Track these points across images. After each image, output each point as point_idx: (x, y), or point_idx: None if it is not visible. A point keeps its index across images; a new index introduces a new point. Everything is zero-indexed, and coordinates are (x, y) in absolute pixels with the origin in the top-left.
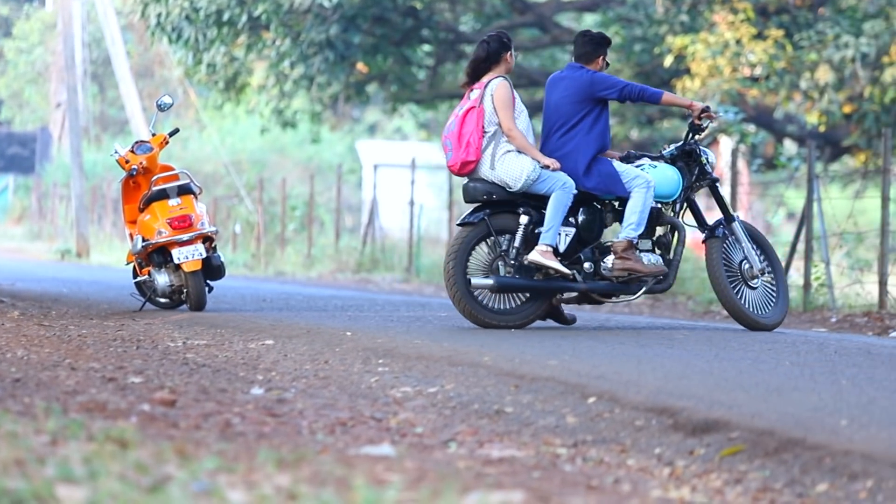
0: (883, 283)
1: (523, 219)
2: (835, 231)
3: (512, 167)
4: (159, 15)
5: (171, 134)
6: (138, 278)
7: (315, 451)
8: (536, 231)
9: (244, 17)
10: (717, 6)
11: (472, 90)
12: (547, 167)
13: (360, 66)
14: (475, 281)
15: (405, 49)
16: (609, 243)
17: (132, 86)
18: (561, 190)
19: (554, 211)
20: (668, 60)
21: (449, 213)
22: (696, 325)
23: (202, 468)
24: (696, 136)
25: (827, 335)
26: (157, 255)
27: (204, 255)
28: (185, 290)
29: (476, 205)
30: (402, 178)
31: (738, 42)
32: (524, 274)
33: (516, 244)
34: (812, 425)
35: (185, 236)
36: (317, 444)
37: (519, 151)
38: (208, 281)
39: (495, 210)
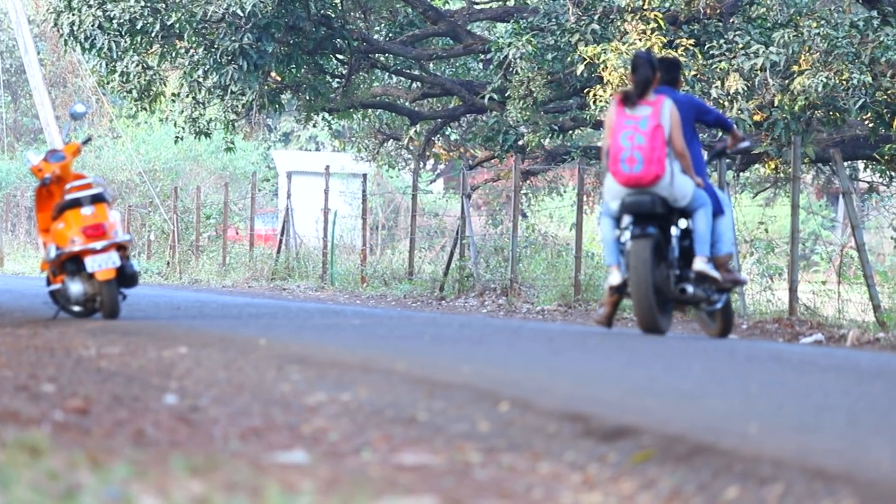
0: (793, 290)
1: (675, 231)
2: (746, 238)
3: (684, 185)
4: (72, 24)
5: (85, 142)
6: (52, 287)
7: (228, 459)
8: (684, 243)
9: (157, 26)
10: (628, 15)
11: (637, 106)
12: (699, 185)
13: (274, 74)
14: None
15: (319, 58)
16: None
17: (46, 94)
18: (707, 206)
19: (706, 224)
20: (580, 69)
21: (363, 222)
22: (609, 332)
23: (115, 476)
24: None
25: (738, 342)
26: (70, 264)
27: (118, 263)
28: (98, 299)
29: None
30: (317, 186)
31: (649, 51)
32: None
33: (675, 255)
34: (722, 431)
35: (98, 245)
36: (230, 451)
37: (683, 170)
38: (122, 289)
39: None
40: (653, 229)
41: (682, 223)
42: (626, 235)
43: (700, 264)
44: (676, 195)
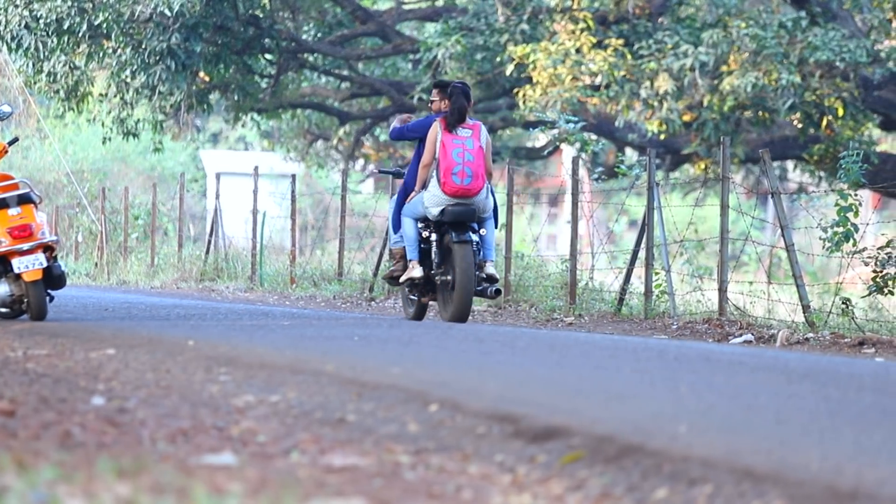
0: (723, 291)
1: (477, 237)
2: (676, 239)
3: (490, 199)
4: None
5: (11, 143)
6: None
7: (156, 461)
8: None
9: (84, 26)
10: (557, 15)
11: (460, 129)
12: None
13: (203, 74)
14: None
15: (247, 58)
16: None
17: None
18: (492, 218)
19: (492, 233)
20: (510, 69)
21: (292, 222)
22: (539, 333)
23: (41, 478)
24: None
25: (667, 342)
26: None
27: (45, 264)
28: (25, 300)
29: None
30: (245, 186)
31: (578, 51)
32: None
33: (479, 258)
34: (652, 431)
35: (25, 246)
36: (158, 453)
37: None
38: (49, 290)
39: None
40: (471, 235)
41: (483, 231)
42: (434, 237)
43: (490, 268)
44: (486, 207)
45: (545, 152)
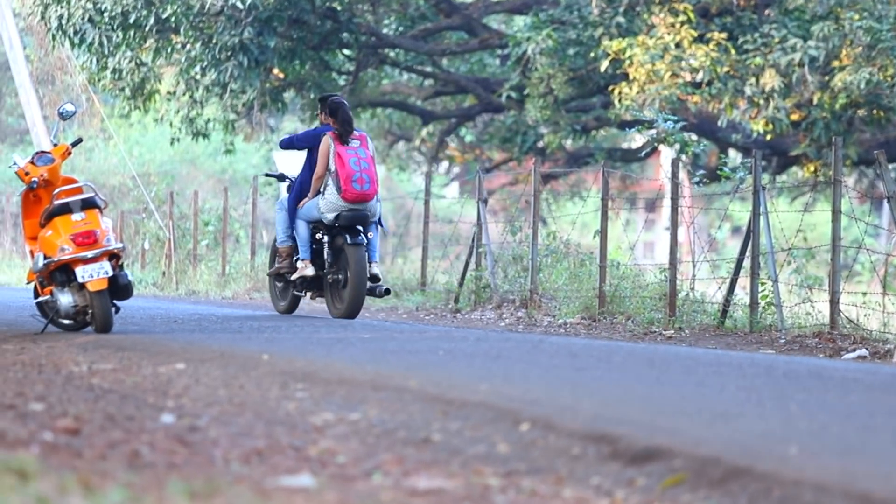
0: (835, 302)
1: (365, 240)
2: (783, 246)
3: (379, 204)
4: (61, 17)
5: (74, 144)
6: (40, 298)
7: (229, 482)
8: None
9: (152, 20)
10: (655, 7)
11: (351, 139)
12: None
13: (277, 71)
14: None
15: (324, 53)
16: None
17: (32, 93)
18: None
19: (377, 237)
20: (605, 65)
21: None
22: (636, 347)
23: (109, 501)
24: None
25: (775, 357)
26: (59, 274)
27: (110, 273)
28: (89, 311)
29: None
30: None
31: (678, 45)
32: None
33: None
34: (760, 453)
35: (89, 253)
36: (231, 474)
37: None
38: (115, 301)
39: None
40: (362, 238)
41: (370, 235)
42: (326, 239)
43: (375, 268)
44: (376, 212)
45: (642, 154)
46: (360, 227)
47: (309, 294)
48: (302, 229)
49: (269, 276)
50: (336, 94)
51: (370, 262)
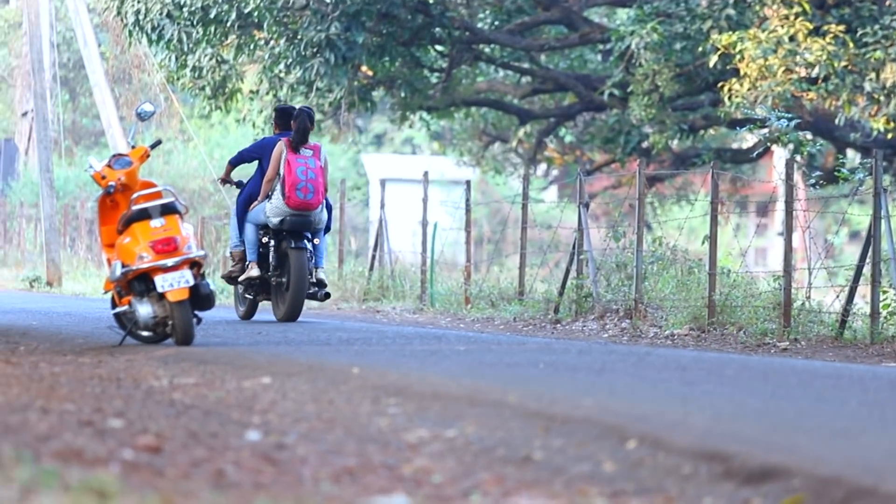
0: None
1: (310, 245)
2: None
3: (325, 213)
4: (137, 12)
5: (153, 146)
6: (117, 309)
7: (319, 503)
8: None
9: (234, 15)
10: None
11: (302, 149)
12: None
13: (365, 69)
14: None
15: (415, 49)
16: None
17: (108, 92)
18: (324, 230)
19: (324, 243)
20: (713, 60)
21: (466, 235)
22: (749, 360)
23: None
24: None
25: None
26: (138, 283)
27: (191, 282)
28: (170, 322)
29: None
30: (414, 194)
31: (792, 39)
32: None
33: (312, 263)
34: (885, 472)
35: (169, 261)
36: (321, 494)
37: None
38: (196, 311)
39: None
40: (306, 244)
41: (316, 241)
42: (272, 243)
43: (321, 273)
44: (321, 220)
45: (754, 154)
46: (307, 233)
47: (256, 296)
48: (249, 232)
49: (223, 279)
50: (306, 106)
51: (316, 268)
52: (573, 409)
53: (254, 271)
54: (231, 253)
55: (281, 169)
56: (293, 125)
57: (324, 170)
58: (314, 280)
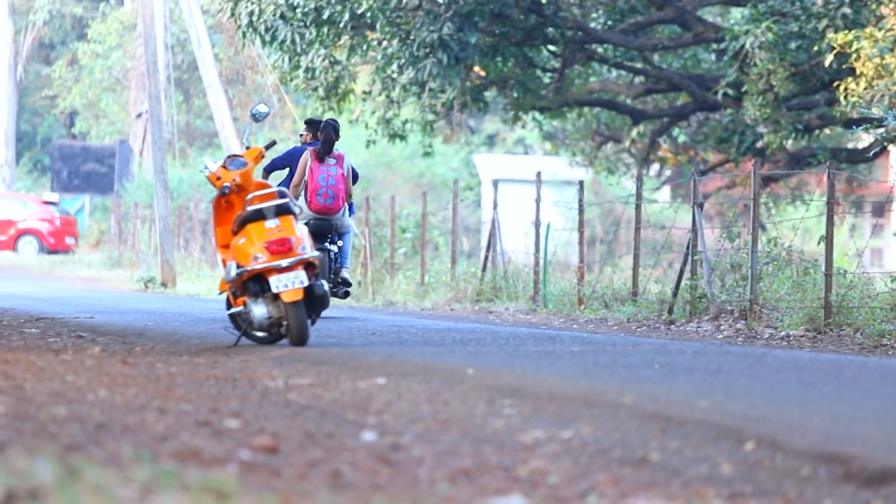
0: None
1: (334, 247)
2: None
3: (346, 217)
4: (251, 13)
5: (268, 147)
6: (232, 310)
7: None
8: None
9: (346, 15)
10: None
11: (328, 158)
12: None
13: (478, 69)
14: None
15: (528, 50)
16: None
17: (221, 93)
18: (350, 232)
19: (349, 245)
20: (829, 60)
21: (579, 235)
22: (867, 361)
23: None
24: None
25: None
26: (253, 284)
27: (306, 283)
28: (284, 323)
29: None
30: (526, 195)
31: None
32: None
33: (336, 264)
34: None
35: (284, 262)
36: (438, 495)
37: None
38: (311, 312)
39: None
40: (328, 245)
41: (340, 243)
42: None
43: (345, 273)
44: (344, 223)
45: (870, 154)
46: (332, 236)
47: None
48: None
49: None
50: (332, 119)
51: (341, 267)
52: (690, 411)
53: None
54: None
55: (306, 176)
56: (320, 136)
57: (345, 177)
58: (339, 279)
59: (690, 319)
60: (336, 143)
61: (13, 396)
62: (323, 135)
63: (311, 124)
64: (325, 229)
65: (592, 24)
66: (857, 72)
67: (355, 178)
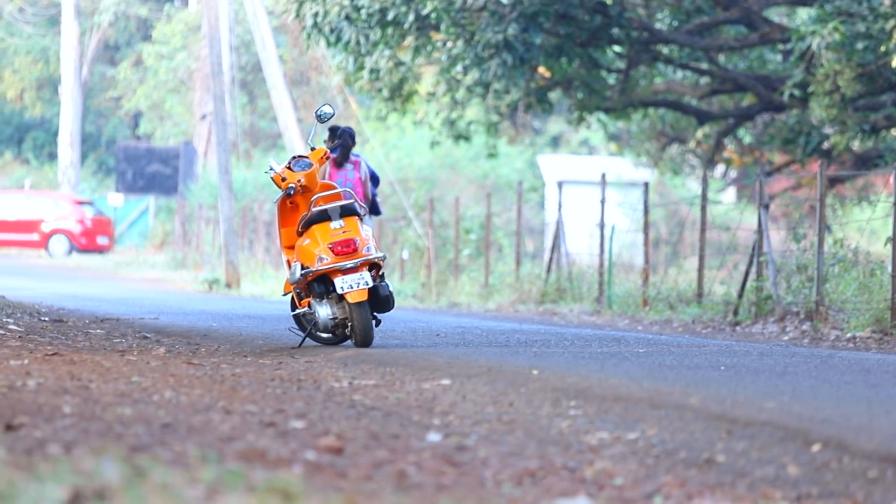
0: None
1: None
2: None
3: (368, 220)
4: (316, 14)
5: (333, 148)
6: (297, 311)
7: None
8: None
9: (411, 17)
10: None
11: (346, 163)
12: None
13: (542, 70)
14: None
15: (593, 50)
16: None
17: (286, 94)
18: None
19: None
20: None
21: (644, 237)
22: None
23: None
24: None
25: None
26: (317, 285)
27: (370, 283)
28: (349, 324)
29: None
30: (591, 196)
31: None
32: None
33: None
34: None
35: (349, 263)
36: (503, 496)
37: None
38: (375, 313)
39: None
40: None
41: None
42: None
43: None
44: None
45: None
46: None
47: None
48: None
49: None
50: (347, 127)
51: None
52: (756, 412)
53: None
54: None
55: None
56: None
57: (363, 181)
58: None
59: (756, 321)
60: (353, 148)
61: (79, 397)
62: (339, 141)
63: (332, 132)
64: None
65: (658, 25)
66: None
67: (375, 180)
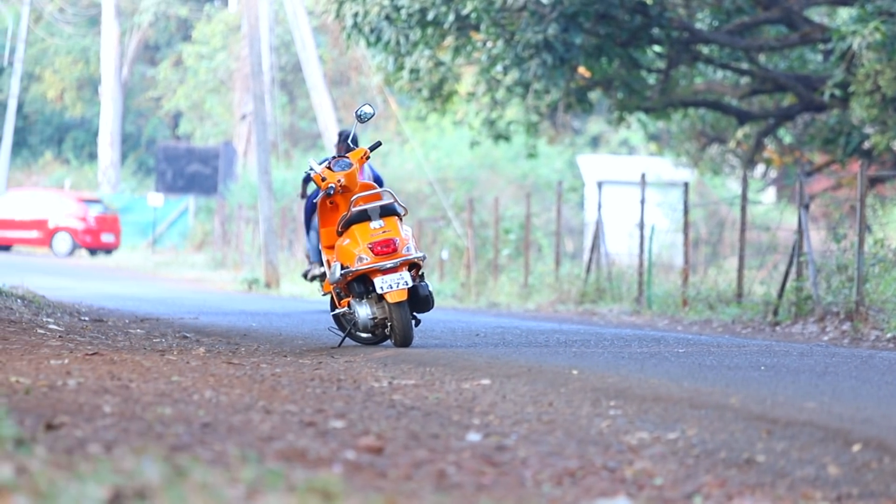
0: None
1: None
2: None
3: None
4: (356, 15)
5: (373, 148)
6: (336, 311)
7: None
8: None
9: (451, 17)
10: None
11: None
12: None
13: (582, 70)
14: None
15: (633, 50)
16: None
17: (326, 95)
18: None
19: None
20: None
21: (684, 237)
22: None
23: None
24: None
25: None
26: (357, 285)
27: (410, 283)
28: (389, 324)
29: None
30: (630, 196)
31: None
32: None
33: None
34: None
35: (388, 263)
36: (543, 496)
37: None
38: (415, 313)
39: None
40: None
41: None
42: None
43: None
44: None
45: None
46: None
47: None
48: (313, 237)
49: (302, 277)
50: (348, 130)
51: None
52: (796, 412)
53: (317, 270)
54: (307, 255)
55: None
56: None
57: (372, 180)
58: None
59: (796, 321)
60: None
61: (120, 396)
62: (344, 146)
63: (341, 136)
64: None
65: (698, 25)
66: None
67: (379, 183)
